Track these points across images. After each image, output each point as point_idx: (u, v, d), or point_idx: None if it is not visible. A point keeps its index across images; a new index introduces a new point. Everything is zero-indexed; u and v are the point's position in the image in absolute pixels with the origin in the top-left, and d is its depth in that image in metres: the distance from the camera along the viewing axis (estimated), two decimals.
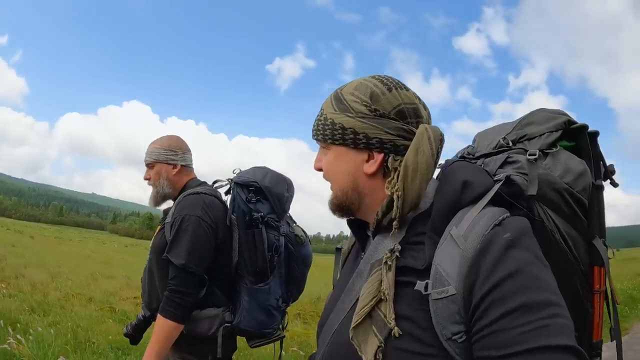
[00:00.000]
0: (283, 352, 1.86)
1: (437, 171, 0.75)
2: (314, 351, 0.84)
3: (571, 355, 0.54)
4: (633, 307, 8.18)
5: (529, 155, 0.82)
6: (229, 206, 1.66)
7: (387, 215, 0.71)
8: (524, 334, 0.54)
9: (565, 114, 0.90)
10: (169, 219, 1.65)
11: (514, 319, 0.55)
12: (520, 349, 0.53)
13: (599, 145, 0.89)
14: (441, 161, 0.75)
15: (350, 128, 0.73)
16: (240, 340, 1.74)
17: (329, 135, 0.76)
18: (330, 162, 0.78)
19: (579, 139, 0.88)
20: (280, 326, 1.78)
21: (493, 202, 0.67)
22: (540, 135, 0.86)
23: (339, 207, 0.78)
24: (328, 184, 0.81)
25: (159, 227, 1.74)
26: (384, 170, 0.74)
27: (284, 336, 1.81)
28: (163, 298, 1.55)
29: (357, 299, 0.70)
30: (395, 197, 0.69)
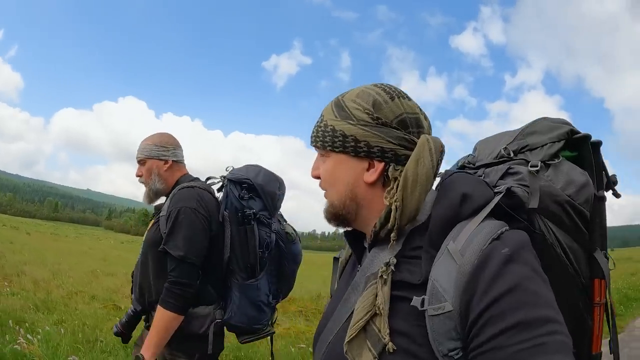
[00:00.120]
0: (274, 349, 1.88)
1: (437, 181, 0.74)
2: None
3: None
4: (628, 306, 8.37)
5: (531, 166, 0.81)
6: (221, 203, 1.67)
7: (385, 226, 0.70)
8: (522, 352, 0.53)
9: (568, 124, 0.89)
10: (163, 212, 1.66)
11: (511, 337, 0.54)
12: None
13: (602, 155, 0.88)
14: (441, 170, 0.74)
15: (351, 135, 0.72)
16: (235, 340, 1.72)
17: (329, 142, 0.74)
18: (329, 170, 0.76)
19: (581, 148, 0.87)
20: (270, 322, 1.80)
21: (493, 215, 0.66)
22: (543, 146, 0.85)
23: (335, 216, 0.77)
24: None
25: (152, 221, 1.76)
26: (383, 180, 0.72)
27: (274, 332, 1.84)
28: (163, 290, 1.56)
29: (352, 312, 0.69)
30: (393, 207, 0.68)
